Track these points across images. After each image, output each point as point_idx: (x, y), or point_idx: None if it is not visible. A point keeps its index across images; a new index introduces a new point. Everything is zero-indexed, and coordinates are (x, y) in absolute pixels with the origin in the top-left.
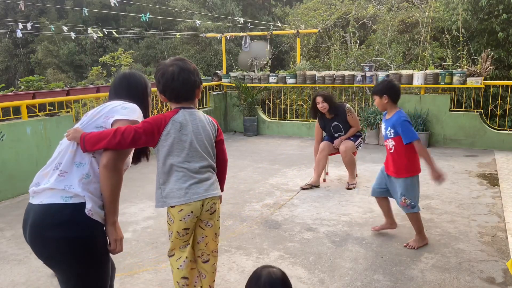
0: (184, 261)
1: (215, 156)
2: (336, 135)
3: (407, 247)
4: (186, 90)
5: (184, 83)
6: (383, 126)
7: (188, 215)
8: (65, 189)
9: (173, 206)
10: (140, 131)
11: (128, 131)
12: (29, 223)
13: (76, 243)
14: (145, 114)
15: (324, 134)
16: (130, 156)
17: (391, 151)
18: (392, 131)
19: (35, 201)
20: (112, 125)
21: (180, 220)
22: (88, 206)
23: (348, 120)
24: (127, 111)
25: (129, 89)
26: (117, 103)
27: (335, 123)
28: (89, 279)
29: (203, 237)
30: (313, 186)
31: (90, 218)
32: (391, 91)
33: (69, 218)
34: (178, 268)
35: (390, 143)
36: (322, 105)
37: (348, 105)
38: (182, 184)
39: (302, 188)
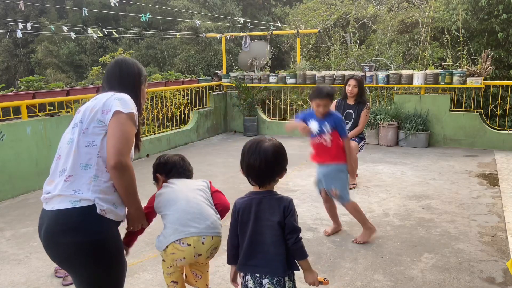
0: (173, 272)
1: (211, 199)
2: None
3: (355, 242)
4: (186, 171)
5: (186, 169)
6: (315, 124)
7: (181, 260)
8: (73, 194)
9: (167, 247)
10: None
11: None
12: (43, 228)
13: (87, 247)
14: (137, 103)
15: None
16: (133, 148)
17: (326, 143)
18: (329, 126)
19: (48, 207)
20: (111, 118)
21: (173, 260)
22: (102, 207)
23: (361, 115)
24: (121, 102)
25: (121, 77)
26: (108, 95)
27: (350, 110)
28: (102, 280)
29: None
30: None
31: (102, 219)
32: (332, 94)
33: (79, 223)
34: (168, 274)
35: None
36: (351, 90)
37: (368, 104)
38: (176, 225)
39: None
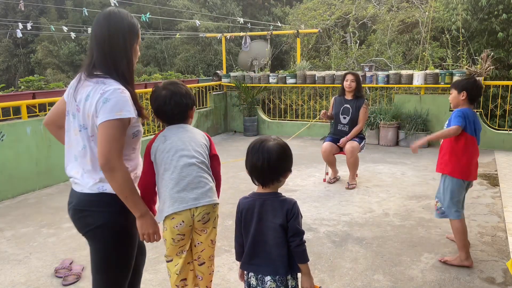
0: (182, 267)
1: (209, 162)
2: (341, 116)
3: (441, 260)
4: (178, 112)
5: (175, 106)
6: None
7: (180, 224)
8: (99, 189)
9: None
10: (144, 171)
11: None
12: (71, 206)
13: (107, 229)
14: (129, 67)
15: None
16: (140, 130)
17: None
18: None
19: (77, 188)
20: (99, 125)
21: (173, 228)
22: None
23: (360, 112)
24: (109, 107)
25: (111, 39)
26: (97, 94)
27: (348, 105)
28: (115, 255)
29: (199, 243)
30: (337, 179)
31: (124, 206)
32: (472, 89)
33: (103, 207)
34: (176, 274)
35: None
36: (350, 84)
37: (367, 101)
38: (173, 194)
39: (330, 183)
